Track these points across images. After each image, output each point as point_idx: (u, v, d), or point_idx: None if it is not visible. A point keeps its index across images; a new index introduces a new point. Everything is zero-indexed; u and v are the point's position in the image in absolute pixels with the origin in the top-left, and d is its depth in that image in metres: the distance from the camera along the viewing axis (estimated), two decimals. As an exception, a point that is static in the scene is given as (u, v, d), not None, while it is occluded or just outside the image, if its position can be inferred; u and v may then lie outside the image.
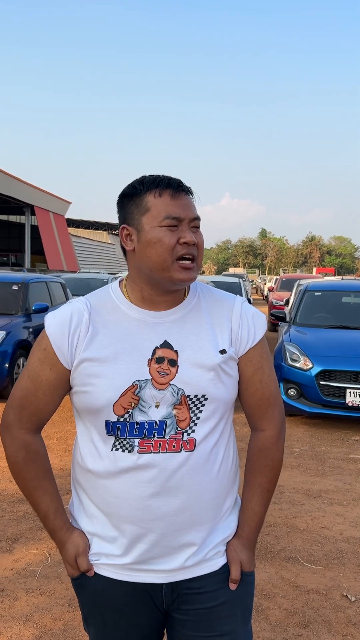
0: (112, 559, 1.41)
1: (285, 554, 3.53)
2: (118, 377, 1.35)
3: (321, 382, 6.28)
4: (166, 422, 1.36)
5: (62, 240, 36.40)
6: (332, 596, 3.07)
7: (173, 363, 1.37)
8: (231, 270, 62.99)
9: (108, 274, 21.09)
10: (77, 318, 1.39)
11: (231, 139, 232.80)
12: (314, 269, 65.11)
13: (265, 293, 30.71)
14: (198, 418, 1.38)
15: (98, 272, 23.16)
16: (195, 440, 1.37)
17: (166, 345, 1.38)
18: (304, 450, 5.67)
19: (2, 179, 27.95)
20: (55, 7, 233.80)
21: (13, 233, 46.93)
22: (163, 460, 1.35)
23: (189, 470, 1.37)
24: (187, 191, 1.40)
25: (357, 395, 6.14)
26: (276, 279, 24.33)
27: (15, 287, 8.43)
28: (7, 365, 7.11)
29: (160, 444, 1.35)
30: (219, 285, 11.00)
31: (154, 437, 1.35)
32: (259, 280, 55.59)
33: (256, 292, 45.76)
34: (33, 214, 33.89)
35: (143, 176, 1.41)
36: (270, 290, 22.20)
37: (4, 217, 43.66)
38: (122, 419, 1.36)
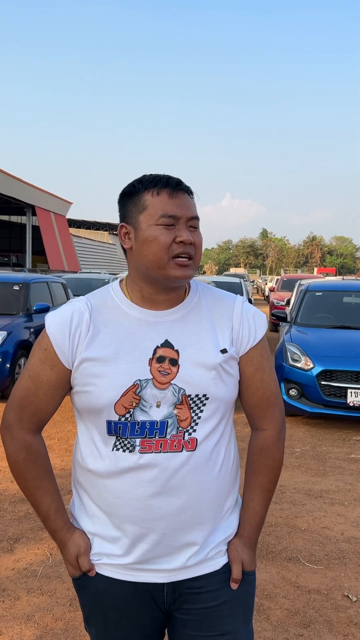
0: (113, 559, 1.41)
1: (287, 554, 3.53)
2: (119, 377, 1.35)
3: (322, 382, 6.27)
4: (167, 421, 1.36)
5: (63, 241, 36.41)
6: (333, 596, 3.07)
7: (174, 362, 1.37)
8: (232, 270, 62.99)
9: (109, 274, 21.08)
10: (77, 318, 1.39)
11: (231, 139, 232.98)
12: (315, 269, 65.03)
13: (266, 293, 30.71)
14: (199, 417, 1.38)
15: (99, 273, 23.17)
16: (197, 439, 1.37)
17: (167, 344, 1.38)
18: (305, 450, 5.66)
19: (3, 179, 27.96)
20: (55, 7, 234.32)
21: (14, 233, 46.96)
22: (164, 460, 1.35)
23: (191, 469, 1.37)
24: (186, 190, 1.39)
25: (358, 395, 6.13)
26: (277, 279, 24.32)
27: (16, 288, 8.44)
28: (8, 366, 7.12)
29: (161, 443, 1.35)
30: (220, 285, 11.01)
31: (155, 437, 1.35)
32: (260, 281, 55.61)
33: (257, 292, 45.75)
34: (34, 214, 33.90)
35: (143, 175, 1.41)
36: (271, 290, 22.19)
37: (5, 218, 43.69)
38: (123, 419, 1.35)
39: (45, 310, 8.18)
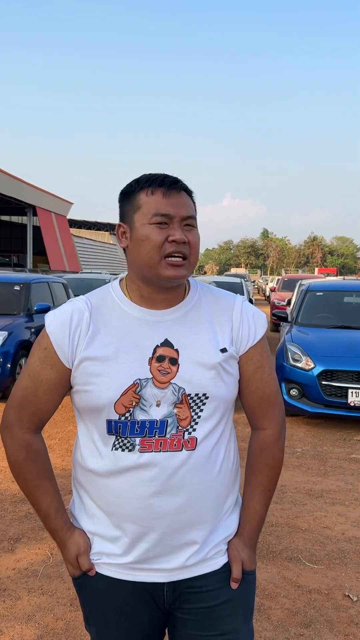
0: (113, 559, 1.41)
1: (287, 553, 3.53)
2: (119, 376, 1.35)
3: (323, 382, 6.27)
4: (167, 421, 1.36)
5: (64, 241, 36.42)
6: (334, 596, 3.07)
7: (174, 362, 1.37)
8: (233, 270, 62.94)
9: (110, 274, 21.09)
10: (77, 317, 1.39)
11: (232, 139, 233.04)
12: (316, 269, 65.01)
13: (267, 293, 30.70)
14: (199, 417, 1.38)
15: (100, 273, 23.17)
16: (196, 439, 1.37)
17: (167, 343, 1.38)
18: (306, 450, 5.66)
19: (4, 179, 27.97)
20: (55, 7, 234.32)
21: (15, 234, 46.98)
22: (164, 459, 1.35)
23: (190, 469, 1.37)
24: (183, 189, 1.39)
25: (359, 395, 6.13)
26: (278, 279, 24.32)
27: (17, 288, 8.44)
28: (9, 366, 7.12)
29: (161, 442, 1.35)
30: (221, 285, 11.00)
31: (155, 436, 1.35)
32: (261, 281, 55.57)
33: (258, 293, 45.73)
34: (35, 214, 33.90)
35: (143, 175, 1.41)
36: (272, 290, 22.18)
37: (5, 218, 43.72)
38: (123, 418, 1.36)
39: (46, 310, 8.19)
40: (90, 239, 47.55)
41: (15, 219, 44.07)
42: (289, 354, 6.61)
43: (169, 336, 1.39)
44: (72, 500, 1.54)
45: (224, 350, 1.40)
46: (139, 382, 1.35)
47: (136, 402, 1.35)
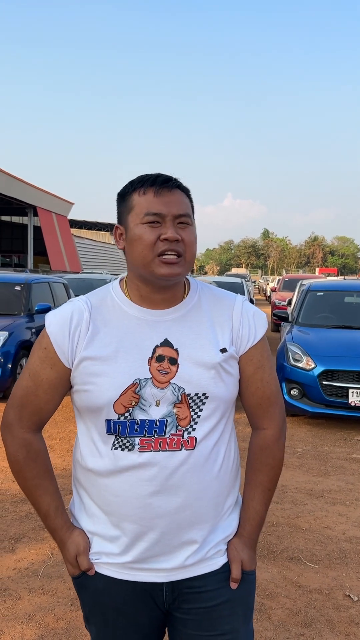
0: (112, 558, 1.41)
1: (288, 553, 3.53)
2: (119, 376, 1.35)
3: (324, 382, 6.27)
4: (167, 420, 1.36)
5: (64, 241, 36.43)
6: (334, 596, 3.07)
7: (173, 361, 1.37)
8: (234, 270, 62.85)
9: (111, 274, 21.09)
10: (77, 317, 1.40)
11: (232, 139, 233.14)
12: (317, 269, 65.00)
13: (268, 293, 30.69)
14: (198, 417, 1.38)
15: (101, 273, 23.17)
16: (196, 438, 1.37)
17: (166, 343, 1.38)
18: (307, 450, 5.66)
19: (4, 179, 27.99)
20: (55, 7, 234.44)
21: (16, 234, 47.00)
22: (163, 459, 1.35)
23: (190, 468, 1.37)
24: (177, 187, 1.38)
25: (360, 395, 6.13)
26: (279, 279, 24.31)
27: (18, 288, 8.45)
28: (9, 366, 7.12)
29: (160, 442, 1.35)
30: (221, 285, 10.99)
31: (154, 436, 1.35)
32: (262, 281, 55.53)
33: (259, 293, 45.72)
34: (36, 214, 33.92)
35: (138, 176, 1.41)
36: (273, 290, 22.16)
37: (6, 218, 43.74)
38: (122, 418, 1.36)
39: (47, 310, 8.19)
40: (91, 239, 47.56)
41: (16, 219, 44.10)
42: (290, 354, 6.61)
43: (168, 336, 1.39)
44: (72, 500, 1.54)
45: (223, 350, 1.40)
46: (138, 382, 1.35)
47: (135, 402, 1.35)
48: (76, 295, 10.57)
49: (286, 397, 6.47)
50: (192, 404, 1.37)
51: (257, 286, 51.37)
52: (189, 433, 1.37)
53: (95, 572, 1.43)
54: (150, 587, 1.41)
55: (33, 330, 7.92)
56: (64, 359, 1.38)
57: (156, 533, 1.38)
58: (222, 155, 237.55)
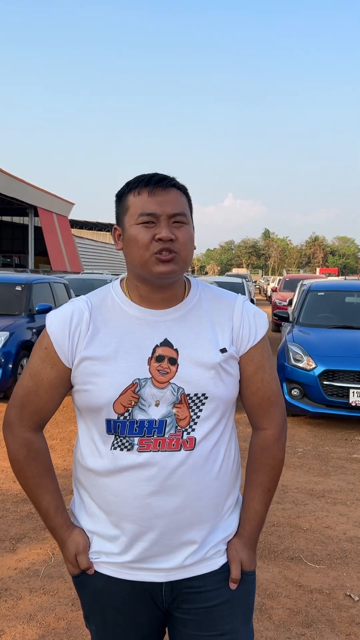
0: (111, 557, 1.42)
1: (289, 553, 3.53)
2: (118, 376, 1.35)
3: (324, 382, 6.27)
4: (166, 420, 1.36)
5: (65, 242, 36.44)
6: (335, 596, 3.07)
7: (173, 361, 1.37)
8: (234, 270, 62.85)
9: (112, 274, 21.10)
10: (77, 317, 1.40)
11: (233, 140, 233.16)
12: (318, 270, 64.98)
13: (269, 293, 30.68)
14: (198, 417, 1.38)
15: (101, 273, 23.18)
16: (195, 439, 1.37)
17: (166, 343, 1.38)
18: (308, 450, 5.66)
19: (5, 180, 28.00)
20: (55, 7, 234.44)
21: (16, 234, 47.02)
22: (162, 459, 1.35)
23: (189, 469, 1.37)
24: (173, 186, 1.37)
25: (361, 395, 6.13)
26: (279, 280, 24.30)
27: (18, 288, 8.45)
28: (10, 366, 7.13)
29: (159, 442, 1.35)
30: (222, 285, 10.99)
31: (153, 436, 1.35)
32: (262, 281, 55.51)
33: (259, 293, 45.70)
34: (36, 215, 33.94)
35: (135, 176, 1.42)
36: (274, 290, 22.16)
37: (7, 219, 43.76)
38: (122, 418, 1.36)
39: (48, 310, 8.19)
40: (92, 240, 47.57)
41: (16, 219, 44.12)
42: (291, 354, 6.61)
43: (168, 336, 1.39)
44: (72, 499, 1.54)
45: (223, 350, 1.40)
46: (138, 381, 1.35)
47: (135, 402, 1.35)
48: (77, 296, 10.67)
49: (287, 397, 6.47)
50: (191, 404, 1.37)
51: (257, 286, 51.37)
52: (189, 433, 1.37)
53: (95, 571, 1.43)
54: (149, 587, 1.41)
55: (34, 330, 7.92)
56: (64, 358, 1.39)
57: (155, 533, 1.38)
58: (222, 155, 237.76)
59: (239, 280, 13.99)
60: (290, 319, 8.01)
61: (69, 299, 9.83)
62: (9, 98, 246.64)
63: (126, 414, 1.35)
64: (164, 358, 1.37)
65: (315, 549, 3.60)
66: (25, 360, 7.55)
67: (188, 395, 1.36)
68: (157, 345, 1.38)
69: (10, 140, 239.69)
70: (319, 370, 6.30)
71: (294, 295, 11.16)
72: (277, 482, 1.53)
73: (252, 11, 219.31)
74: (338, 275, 45.94)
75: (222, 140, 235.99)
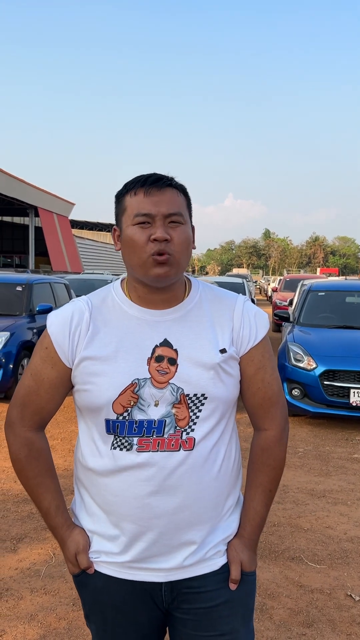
0: (111, 557, 1.42)
1: (290, 553, 3.53)
2: (118, 376, 1.35)
3: (325, 382, 6.27)
4: (165, 420, 1.36)
5: (65, 242, 36.45)
6: (336, 596, 3.07)
7: (172, 362, 1.37)
8: (235, 270, 62.75)
9: (112, 275, 21.10)
10: (78, 317, 1.40)
11: (233, 140, 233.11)
12: (318, 270, 64.94)
13: (269, 293, 30.67)
14: (197, 417, 1.37)
15: (102, 274, 23.19)
16: (194, 439, 1.37)
17: (166, 343, 1.38)
18: (308, 450, 5.66)
19: (6, 180, 28.01)
20: (55, 7, 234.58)
21: (17, 234, 47.05)
22: (161, 459, 1.35)
23: (188, 469, 1.36)
24: (170, 186, 1.36)
25: (361, 395, 6.12)
26: (280, 280, 24.28)
27: (19, 288, 8.46)
28: (11, 366, 7.13)
29: (159, 442, 1.35)
30: (222, 285, 10.96)
31: (152, 436, 1.35)
32: (263, 281, 55.49)
33: (260, 293, 45.69)
34: (37, 215, 33.96)
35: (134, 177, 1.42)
36: (274, 290, 22.14)
37: (7, 219, 43.80)
38: (121, 417, 1.36)
39: (48, 310, 8.19)
40: (92, 240, 47.59)
41: (17, 219, 44.15)
42: (291, 354, 6.61)
43: (168, 336, 1.39)
44: (73, 499, 1.55)
45: (223, 350, 1.40)
46: (137, 381, 1.35)
47: (134, 402, 1.35)
48: (77, 296, 10.63)
49: (287, 397, 6.47)
50: (191, 404, 1.37)
51: (258, 286, 51.36)
52: (188, 434, 1.37)
53: (95, 570, 1.44)
54: (149, 587, 1.41)
55: (34, 330, 7.92)
56: (64, 358, 1.39)
57: (154, 533, 1.38)
58: (222, 155, 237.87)
59: (239, 280, 13.98)
60: (291, 319, 8.01)
61: (70, 299, 9.83)
62: (9, 98, 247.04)
63: (125, 414, 1.36)
64: (164, 358, 1.37)
65: (316, 549, 3.60)
66: (26, 361, 7.56)
67: (187, 395, 1.36)
68: (156, 346, 1.38)
69: (10, 140, 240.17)
70: (320, 370, 6.30)
71: (294, 296, 11.16)
72: (278, 483, 1.52)
73: (252, 11, 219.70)
74: (338, 276, 45.91)
75: (222, 140, 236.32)
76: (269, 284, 38.53)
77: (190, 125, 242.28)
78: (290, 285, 18.15)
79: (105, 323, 1.40)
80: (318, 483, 4.74)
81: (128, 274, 1.44)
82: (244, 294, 12.23)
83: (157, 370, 1.36)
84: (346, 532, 3.84)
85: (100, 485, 1.40)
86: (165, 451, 1.35)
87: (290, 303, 11.10)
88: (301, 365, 6.46)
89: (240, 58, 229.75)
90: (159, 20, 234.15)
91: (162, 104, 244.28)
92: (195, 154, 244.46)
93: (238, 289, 12.50)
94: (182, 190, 1.40)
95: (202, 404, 1.38)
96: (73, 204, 39.71)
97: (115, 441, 1.37)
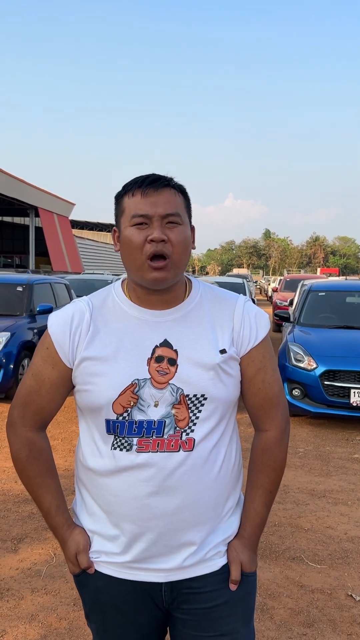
0: (111, 557, 1.42)
1: (290, 553, 3.53)
2: (118, 376, 1.35)
3: (325, 382, 6.27)
4: (165, 421, 1.36)
5: (66, 242, 36.45)
6: (336, 595, 3.07)
7: (172, 362, 1.37)
8: (235, 271, 62.70)
9: (112, 275, 21.11)
10: (78, 317, 1.40)
11: (233, 140, 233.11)
12: (318, 270, 64.97)
13: (270, 293, 30.66)
14: (197, 418, 1.37)
15: (102, 274, 23.19)
16: (194, 439, 1.37)
17: (166, 344, 1.38)
18: (309, 450, 5.66)
19: (6, 180, 28.02)
20: (55, 7, 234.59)
21: (17, 235, 47.07)
22: (161, 460, 1.35)
23: (188, 470, 1.36)
24: (167, 186, 1.36)
25: (362, 395, 6.12)
26: (280, 280, 24.28)
27: (19, 289, 8.46)
28: (12, 366, 7.13)
29: (158, 443, 1.35)
30: (223, 285, 10.96)
31: (152, 437, 1.35)
32: (263, 281, 55.47)
33: (260, 293, 45.69)
34: (37, 215, 33.96)
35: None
36: (274, 290, 22.15)
37: (8, 219, 43.82)
38: (121, 418, 1.36)
39: (49, 311, 8.20)
40: (93, 240, 47.60)
41: (17, 220, 44.17)
42: (291, 354, 6.62)
43: (168, 336, 1.39)
44: (75, 499, 1.55)
45: (223, 351, 1.40)
46: (137, 382, 1.35)
47: (134, 402, 1.35)
48: (78, 296, 10.63)
49: (288, 397, 6.47)
50: (190, 405, 1.37)
51: (258, 286, 51.34)
52: (188, 434, 1.37)
53: (95, 570, 1.44)
54: (149, 587, 1.41)
55: (35, 331, 7.93)
56: (65, 358, 1.39)
57: (154, 534, 1.38)
58: (222, 155, 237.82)
59: (239, 280, 13.98)
60: (291, 319, 8.01)
61: (70, 299, 9.85)
62: (9, 98, 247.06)
63: (125, 415, 1.36)
64: (164, 359, 1.37)
65: (316, 549, 3.60)
66: (26, 361, 7.56)
67: (187, 396, 1.36)
68: (156, 346, 1.38)
69: (10, 140, 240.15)
70: (320, 370, 6.30)
71: (294, 296, 11.16)
72: (279, 484, 1.52)
73: (252, 11, 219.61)
74: (339, 276, 45.90)
75: (222, 140, 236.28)
76: (269, 284, 38.52)
77: (190, 125, 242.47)
78: (291, 286, 18.15)
79: (105, 323, 1.41)
80: (318, 483, 4.74)
81: (127, 274, 1.45)
82: (245, 294, 12.24)
83: (157, 371, 1.36)
84: (347, 532, 3.84)
85: (101, 485, 1.41)
86: (164, 452, 1.35)
87: (291, 303, 11.10)
88: (301, 365, 6.46)
89: (241, 57, 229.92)
90: (159, 20, 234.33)
91: (162, 104, 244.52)
92: (195, 154, 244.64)
93: (238, 289, 12.51)
94: (180, 190, 1.40)
95: (202, 405, 1.38)
96: (73, 204, 39.72)
97: (115, 441, 1.37)
